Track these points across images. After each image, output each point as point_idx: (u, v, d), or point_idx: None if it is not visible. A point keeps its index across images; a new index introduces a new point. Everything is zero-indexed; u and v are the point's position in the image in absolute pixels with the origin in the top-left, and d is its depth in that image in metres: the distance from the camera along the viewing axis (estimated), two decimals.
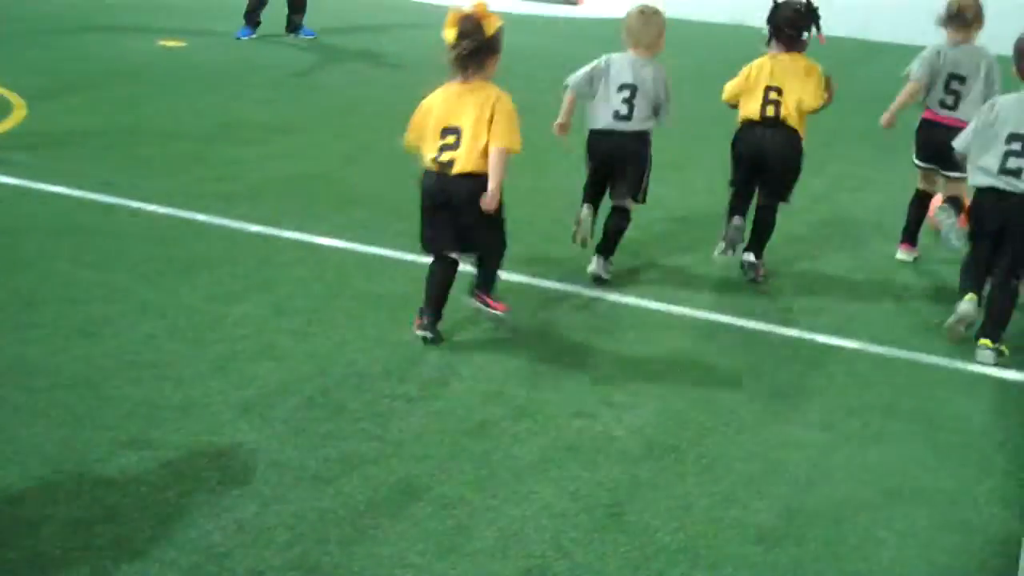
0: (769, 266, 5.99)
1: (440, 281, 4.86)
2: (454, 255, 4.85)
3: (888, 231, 6.75)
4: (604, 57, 5.67)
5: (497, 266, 4.92)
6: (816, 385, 4.71)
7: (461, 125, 4.66)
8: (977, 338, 5.06)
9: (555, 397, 4.39)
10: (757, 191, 5.88)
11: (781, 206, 5.88)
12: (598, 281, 5.58)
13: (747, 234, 5.87)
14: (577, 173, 5.87)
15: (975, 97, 5.95)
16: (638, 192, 5.63)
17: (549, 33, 14.29)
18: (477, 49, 4.67)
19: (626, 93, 5.54)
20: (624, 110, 5.55)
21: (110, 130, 8.01)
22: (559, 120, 5.74)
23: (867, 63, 12.75)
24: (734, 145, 5.87)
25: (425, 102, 4.81)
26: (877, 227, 6.96)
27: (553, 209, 6.68)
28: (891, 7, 15.18)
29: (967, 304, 5.08)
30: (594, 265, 5.60)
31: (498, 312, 4.85)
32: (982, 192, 5.17)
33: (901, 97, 6.22)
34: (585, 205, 5.69)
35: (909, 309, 5.69)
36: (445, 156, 4.66)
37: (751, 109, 5.71)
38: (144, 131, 8.04)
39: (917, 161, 6.32)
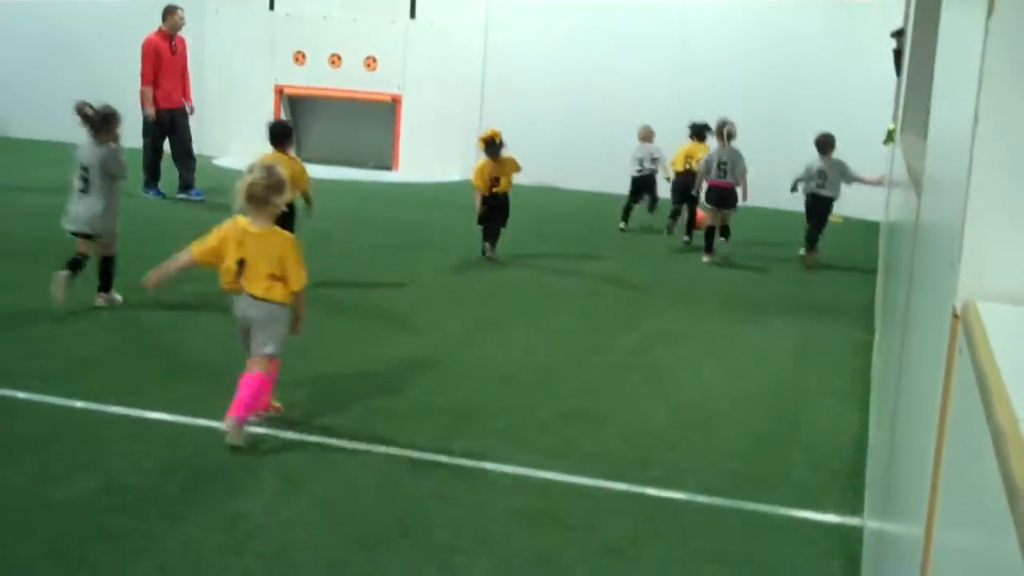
0: (595, 419, 6.18)
1: None
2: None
3: (705, 383, 7.06)
4: None
5: None
6: (647, 538, 4.85)
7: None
8: None
9: (394, 562, 4.40)
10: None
11: None
12: None
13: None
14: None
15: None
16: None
17: (368, 198, 14.54)
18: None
19: None
20: None
21: None
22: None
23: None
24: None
25: None
26: (695, 380, 7.27)
27: (383, 378, 6.80)
28: None
29: None
30: None
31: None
32: None
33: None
34: None
35: (730, 458, 5.92)
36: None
37: None
38: None
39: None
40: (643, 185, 13.41)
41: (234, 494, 4.93)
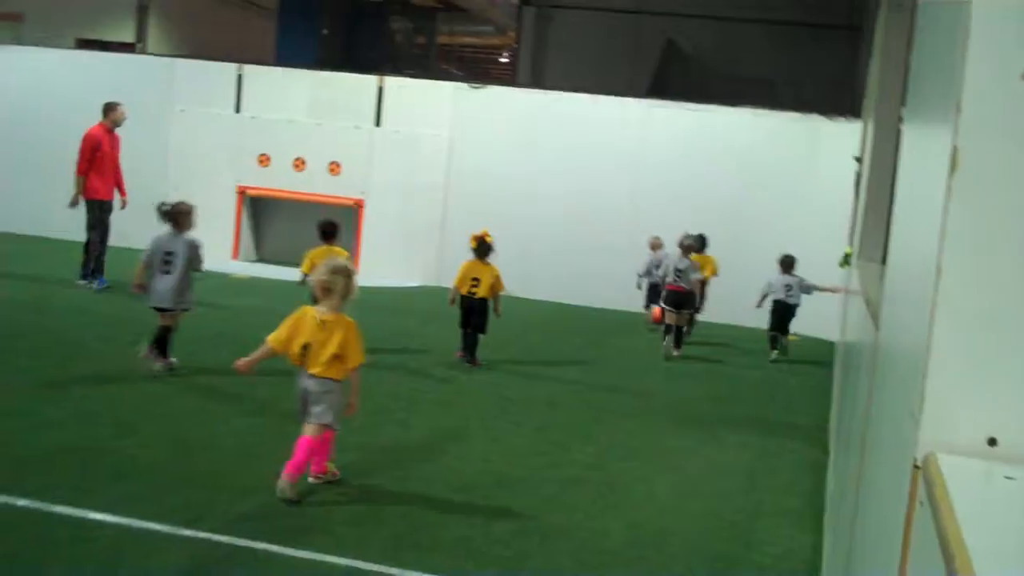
0: (548, 534, 6.14)
1: None
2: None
3: (659, 500, 7.04)
4: None
5: None
6: None
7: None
8: None
9: None
10: None
11: None
12: None
13: None
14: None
15: None
16: None
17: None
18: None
19: None
20: None
21: None
22: None
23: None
24: None
25: None
26: (649, 497, 7.24)
27: (336, 482, 6.75)
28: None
29: None
30: None
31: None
32: None
33: None
34: None
35: None
36: None
37: None
38: None
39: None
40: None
41: None
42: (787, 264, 13.73)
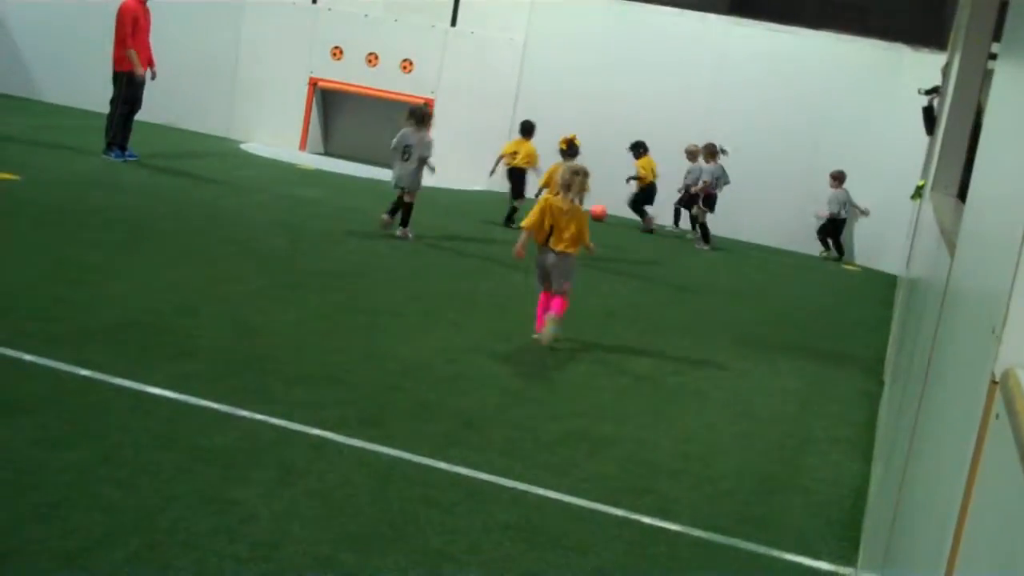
0: (596, 442, 6.17)
1: None
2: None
3: (709, 417, 7.04)
4: None
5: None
6: (638, 565, 4.82)
7: None
8: None
9: (385, 564, 4.38)
10: None
11: None
12: None
13: None
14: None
15: None
16: None
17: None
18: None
19: None
20: None
21: None
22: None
23: None
24: None
25: None
26: (699, 413, 7.24)
27: (390, 374, 6.81)
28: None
29: None
30: None
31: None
32: None
33: None
34: None
35: (728, 495, 5.89)
36: None
37: None
38: None
39: None
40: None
41: (231, 480, 4.91)
42: (839, 178, 15.72)
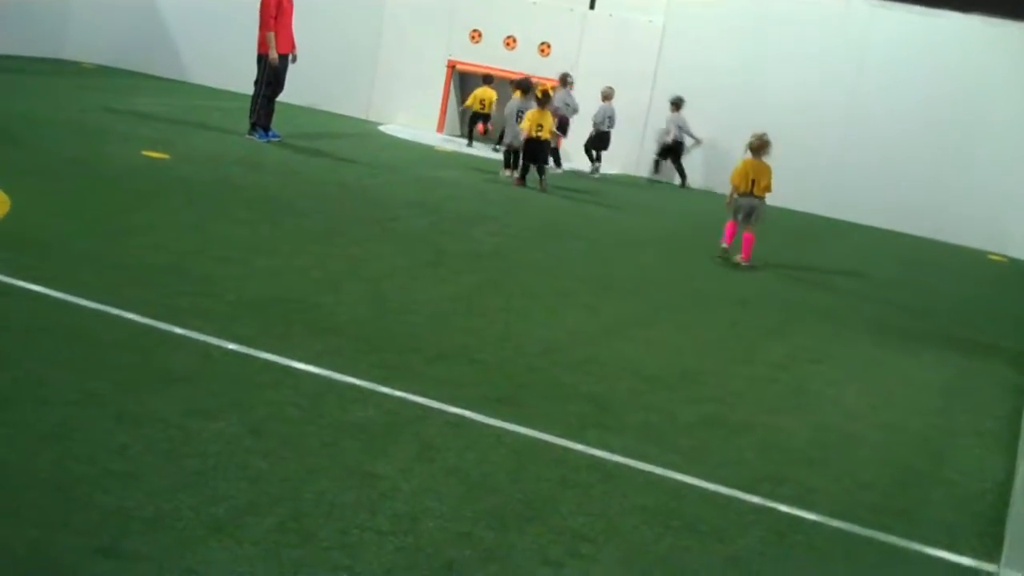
0: (733, 428, 6.13)
1: None
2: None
3: (848, 406, 6.92)
4: None
5: None
6: (775, 554, 4.78)
7: None
8: None
9: (522, 543, 4.42)
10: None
11: None
12: None
13: None
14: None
15: None
16: None
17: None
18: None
19: None
20: None
21: (91, 235, 8.09)
22: None
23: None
24: None
25: None
26: (838, 401, 7.13)
27: (526, 355, 6.86)
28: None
29: None
30: None
31: None
32: None
33: None
34: None
35: (868, 485, 5.79)
36: None
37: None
38: (124, 239, 8.12)
39: None
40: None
41: (372, 454, 5.01)
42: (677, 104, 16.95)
